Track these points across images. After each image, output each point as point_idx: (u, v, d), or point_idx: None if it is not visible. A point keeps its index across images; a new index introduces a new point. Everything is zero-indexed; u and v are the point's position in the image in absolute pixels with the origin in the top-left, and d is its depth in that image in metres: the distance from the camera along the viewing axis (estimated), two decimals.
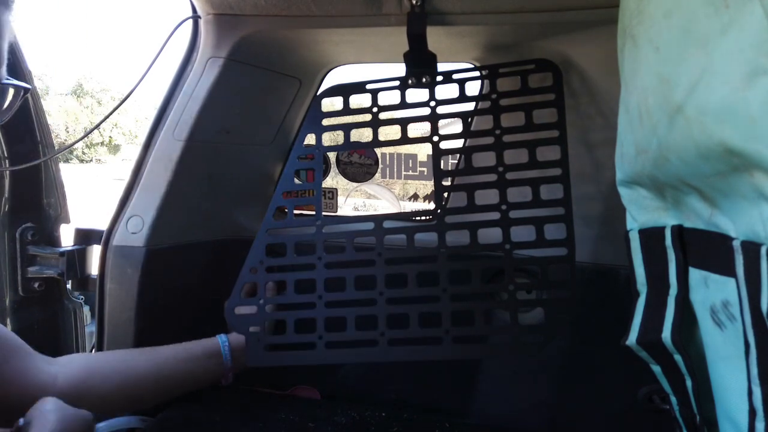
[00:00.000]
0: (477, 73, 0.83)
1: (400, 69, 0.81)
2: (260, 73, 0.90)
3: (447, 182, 0.87)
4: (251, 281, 0.81)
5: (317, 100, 0.83)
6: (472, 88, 0.79)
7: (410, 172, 1.34)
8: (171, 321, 0.88)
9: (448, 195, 0.95)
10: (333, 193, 1.16)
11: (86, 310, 1.02)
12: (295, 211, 0.97)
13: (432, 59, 0.79)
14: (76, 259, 0.92)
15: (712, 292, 0.38)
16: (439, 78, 0.79)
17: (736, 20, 0.28)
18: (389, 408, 0.89)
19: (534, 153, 0.75)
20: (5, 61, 0.46)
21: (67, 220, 0.96)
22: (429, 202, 1.63)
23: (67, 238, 0.96)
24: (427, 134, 0.80)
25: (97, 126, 1.33)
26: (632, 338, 0.47)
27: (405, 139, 0.80)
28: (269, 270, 0.81)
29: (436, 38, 0.77)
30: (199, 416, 0.79)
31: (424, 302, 0.76)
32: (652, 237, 0.46)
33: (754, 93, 0.27)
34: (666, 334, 0.43)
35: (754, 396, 0.32)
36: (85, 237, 0.96)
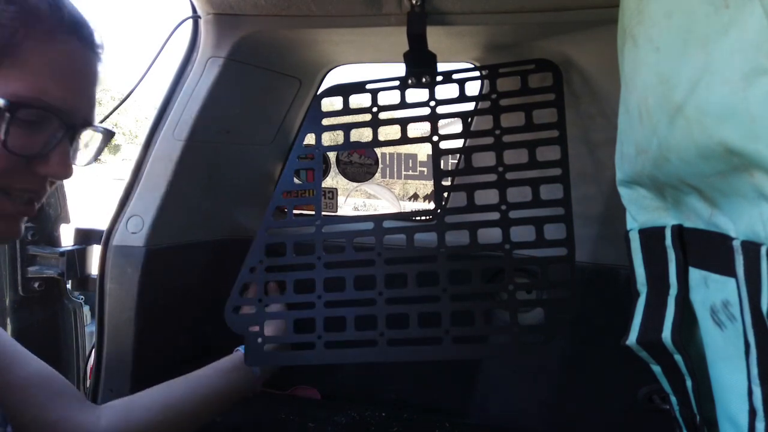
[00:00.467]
0: (477, 73, 0.83)
1: (400, 69, 0.81)
2: (260, 73, 0.90)
3: (447, 182, 0.86)
4: (251, 281, 0.81)
5: (317, 100, 0.83)
6: (472, 88, 0.79)
7: (410, 172, 1.35)
8: (171, 321, 0.88)
9: (448, 195, 0.95)
10: (333, 193, 1.16)
11: (86, 310, 1.02)
12: (295, 211, 0.98)
13: (432, 59, 0.79)
14: (76, 259, 0.92)
15: (712, 292, 0.38)
16: (439, 78, 0.79)
17: (736, 20, 0.28)
18: (389, 408, 0.89)
19: (534, 153, 0.75)
20: (95, 107, 0.50)
21: (67, 220, 0.96)
22: (429, 202, 1.64)
23: (67, 238, 0.96)
24: (427, 134, 0.80)
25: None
26: (632, 338, 0.47)
27: (405, 139, 0.80)
28: (269, 270, 0.81)
29: (436, 38, 0.77)
30: None
31: (424, 302, 0.76)
32: (652, 237, 0.46)
33: (754, 93, 0.27)
34: (666, 334, 0.43)
35: (754, 396, 0.32)
36: (85, 237, 0.96)
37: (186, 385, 0.71)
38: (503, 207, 0.76)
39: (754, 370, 0.31)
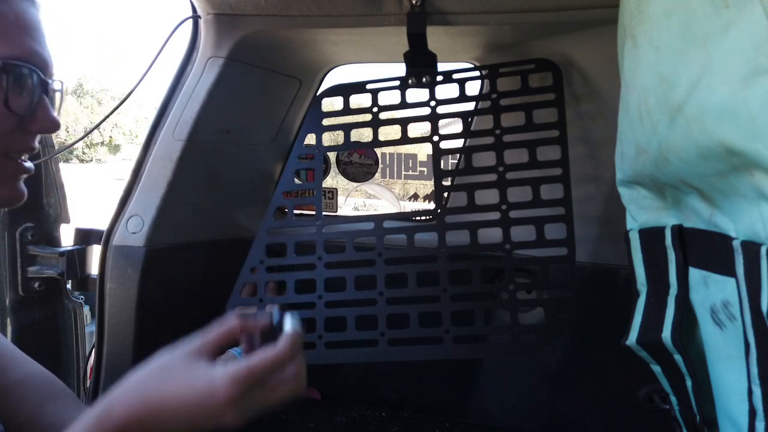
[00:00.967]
0: (477, 73, 0.83)
1: (400, 69, 0.81)
2: (260, 73, 0.90)
3: (447, 182, 0.87)
4: (251, 281, 0.81)
5: (317, 100, 0.83)
6: (472, 88, 0.79)
7: (410, 172, 1.34)
8: (171, 321, 0.88)
9: (448, 195, 0.95)
10: (333, 193, 1.16)
11: (86, 310, 1.02)
12: (295, 211, 0.98)
13: (432, 59, 0.79)
14: (76, 259, 0.92)
15: (712, 292, 0.38)
16: (439, 78, 0.79)
17: (736, 20, 0.28)
18: (389, 408, 0.89)
19: (534, 153, 0.75)
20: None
21: (67, 220, 0.96)
22: (429, 202, 1.64)
23: (67, 238, 0.96)
24: (427, 134, 0.80)
25: (97, 126, 1.33)
26: (632, 338, 0.47)
27: (405, 139, 0.80)
28: (269, 270, 0.81)
29: (436, 38, 0.77)
30: None
31: (424, 302, 0.76)
32: (652, 237, 0.46)
33: (754, 93, 0.27)
34: (666, 333, 0.43)
35: (754, 396, 0.32)
36: (85, 237, 0.95)
37: None
38: (503, 207, 0.76)
39: (754, 370, 0.31)
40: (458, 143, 0.86)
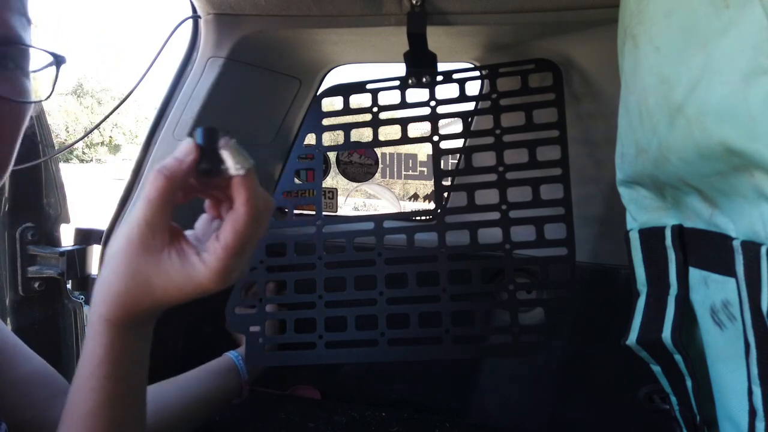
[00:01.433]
0: (477, 73, 0.83)
1: (400, 69, 0.81)
2: (260, 73, 0.90)
3: (447, 182, 0.87)
4: (251, 281, 0.81)
5: (317, 100, 0.83)
6: (472, 88, 0.79)
7: (410, 172, 1.34)
8: (171, 321, 0.88)
9: (448, 195, 0.95)
10: (333, 193, 1.16)
11: (86, 310, 1.02)
12: (296, 211, 0.97)
13: (432, 59, 0.79)
14: (76, 259, 0.92)
15: (712, 292, 0.38)
16: (439, 78, 0.79)
17: (736, 20, 0.28)
18: (389, 408, 0.89)
19: (534, 153, 0.76)
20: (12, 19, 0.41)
21: (67, 220, 0.96)
22: (429, 202, 1.63)
23: (67, 238, 0.96)
24: (427, 134, 0.80)
25: (97, 126, 1.32)
26: (632, 338, 0.47)
27: (405, 139, 0.80)
28: (269, 270, 0.81)
29: (436, 38, 0.77)
30: None
31: (424, 302, 0.76)
32: (652, 237, 0.46)
33: (754, 93, 0.27)
34: (666, 333, 0.43)
35: (754, 396, 0.32)
36: (85, 237, 0.95)
37: (178, 387, 0.71)
38: (503, 207, 0.76)
39: (754, 370, 0.31)
40: (458, 143, 0.86)
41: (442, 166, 0.79)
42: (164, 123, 0.84)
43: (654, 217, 0.47)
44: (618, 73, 0.48)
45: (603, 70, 0.79)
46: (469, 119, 0.81)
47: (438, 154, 0.79)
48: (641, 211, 0.48)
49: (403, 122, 0.80)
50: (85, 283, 0.96)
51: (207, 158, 0.36)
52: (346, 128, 0.82)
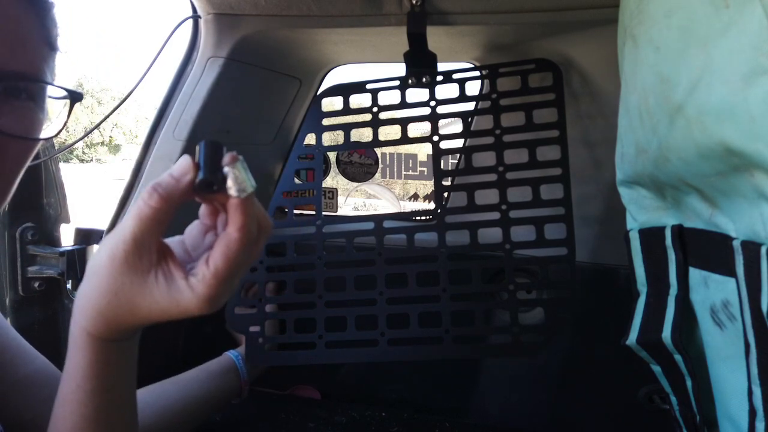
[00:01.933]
0: (477, 73, 0.83)
1: (400, 69, 0.81)
2: (260, 73, 0.90)
3: (447, 182, 0.87)
4: (251, 281, 0.81)
5: (317, 100, 0.83)
6: (472, 88, 0.79)
7: (410, 172, 1.34)
8: (171, 321, 0.88)
9: (448, 195, 0.95)
10: (333, 193, 1.16)
11: None
12: (295, 211, 0.97)
13: (432, 59, 0.79)
14: (76, 259, 0.92)
15: (712, 292, 0.38)
16: (439, 78, 0.79)
17: (736, 20, 0.28)
18: (389, 408, 0.89)
19: (534, 153, 0.76)
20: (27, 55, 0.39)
21: (67, 220, 0.96)
22: (429, 202, 1.63)
23: (67, 238, 0.96)
24: (427, 134, 0.80)
25: (97, 126, 1.32)
26: (632, 338, 0.47)
27: (405, 139, 0.80)
28: (269, 270, 0.81)
29: (436, 38, 0.77)
30: None
31: (424, 302, 0.76)
32: (652, 237, 0.46)
33: (753, 93, 0.27)
34: (666, 333, 0.43)
35: (754, 396, 0.32)
36: (85, 237, 0.95)
37: (178, 387, 0.71)
38: (503, 207, 0.76)
39: (754, 370, 0.31)
40: (458, 143, 0.86)
41: (442, 166, 0.79)
42: (164, 123, 0.84)
43: (654, 217, 0.47)
44: (618, 73, 0.48)
45: (603, 70, 0.79)
46: (469, 119, 0.81)
47: (438, 154, 0.79)
48: (641, 211, 0.48)
49: (403, 122, 0.80)
50: None
51: (208, 173, 0.34)
52: (346, 128, 0.82)
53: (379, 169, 1.20)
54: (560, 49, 0.80)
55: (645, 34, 0.39)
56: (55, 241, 0.94)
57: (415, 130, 0.81)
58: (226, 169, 0.34)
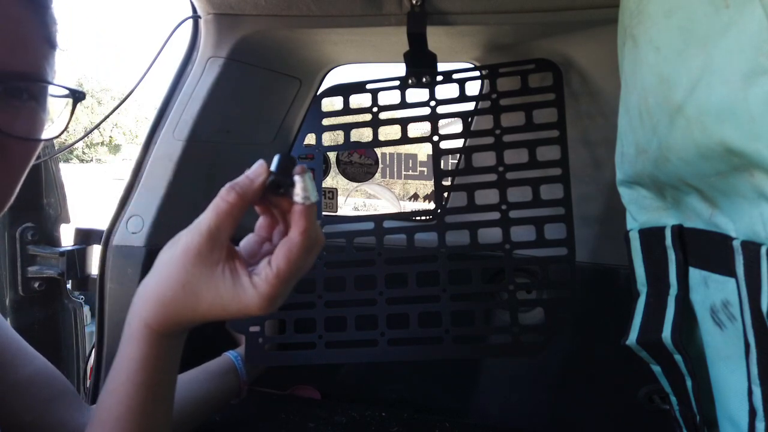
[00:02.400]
0: (477, 73, 0.83)
1: (400, 69, 0.81)
2: (260, 73, 0.90)
3: (447, 182, 0.87)
4: None
5: (317, 100, 0.83)
6: (472, 88, 0.79)
7: (410, 172, 1.35)
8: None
9: (448, 195, 0.95)
10: (333, 193, 1.16)
11: (86, 310, 1.02)
12: None
13: (432, 59, 0.79)
14: (76, 259, 0.92)
15: (712, 292, 0.38)
16: (439, 78, 0.79)
17: (736, 20, 0.28)
18: (389, 408, 0.89)
19: (534, 153, 0.75)
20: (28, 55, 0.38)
21: (67, 220, 0.96)
22: (429, 202, 1.64)
23: (67, 238, 0.96)
24: (427, 134, 0.80)
25: (97, 126, 1.33)
26: (632, 338, 0.47)
27: (405, 139, 0.80)
28: None
29: (436, 38, 0.77)
30: None
31: (424, 302, 0.76)
32: (652, 237, 0.46)
33: (754, 93, 0.27)
34: (666, 333, 0.43)
35: (754, 396, 0.32)
36: (85, 237, 0.95)
37: (178, 387, 0.71)
38: (503, 207, 0.76)
39: (754, 370, 0.31)
40: (458, 143, 0.86)
41: (442, 166, 0.79)
42: (164, 123, 0.84)
43: (654, 217, 0.47)
44: (618, 73, 0.48)
45: (603, 70, 0.79)
46: (469, 119, 0.81)
47: (438, 154, 0.79)
48: (641, 211, 0.48)
49: (403, 122, 0.80)
50: (85, 283, 0.96)
51: (280, 178, 0.38)
52: (346, 128, 0.82)
53: (379, 169, 1.20)
54: (560, 49, 0.80)
55: (645, 34, 0.39)
56: (55, 241, 0.94)
57: (415, 130, 0.81)
58: (296, 177, 0.38)
